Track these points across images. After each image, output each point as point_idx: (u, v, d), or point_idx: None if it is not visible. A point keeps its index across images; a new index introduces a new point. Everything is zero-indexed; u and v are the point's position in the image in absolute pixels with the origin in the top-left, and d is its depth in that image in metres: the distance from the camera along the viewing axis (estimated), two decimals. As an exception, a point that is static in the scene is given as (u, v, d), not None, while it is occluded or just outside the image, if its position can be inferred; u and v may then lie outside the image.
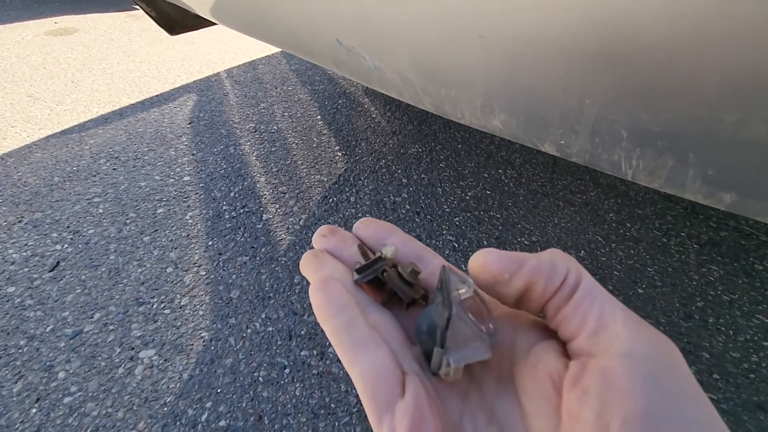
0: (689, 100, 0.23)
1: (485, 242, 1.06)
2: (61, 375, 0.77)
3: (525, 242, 1.07)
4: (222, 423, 0.71)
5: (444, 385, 0.19)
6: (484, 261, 0.19)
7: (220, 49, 2.31)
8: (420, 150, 1.43)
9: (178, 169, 1.32)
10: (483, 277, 0.19)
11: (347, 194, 1.22)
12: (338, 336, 0.19)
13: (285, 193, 1.23)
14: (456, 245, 1.05)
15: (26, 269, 0.97)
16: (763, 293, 0.94)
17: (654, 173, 0.29)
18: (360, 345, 0.19)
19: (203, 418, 0.71)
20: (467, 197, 1.22)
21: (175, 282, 0.95)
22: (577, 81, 0.27)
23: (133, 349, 0.81)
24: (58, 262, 0.99)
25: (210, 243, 1.06)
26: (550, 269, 0.18)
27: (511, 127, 0.36)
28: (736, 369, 0.80)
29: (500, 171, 1.33)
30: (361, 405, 0.73)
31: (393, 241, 0.24)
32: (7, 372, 0.77)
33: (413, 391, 0.17)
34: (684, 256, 1.04)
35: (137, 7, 0.99)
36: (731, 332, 0.86)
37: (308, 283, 0.95)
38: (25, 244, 1.04)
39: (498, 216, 1.15)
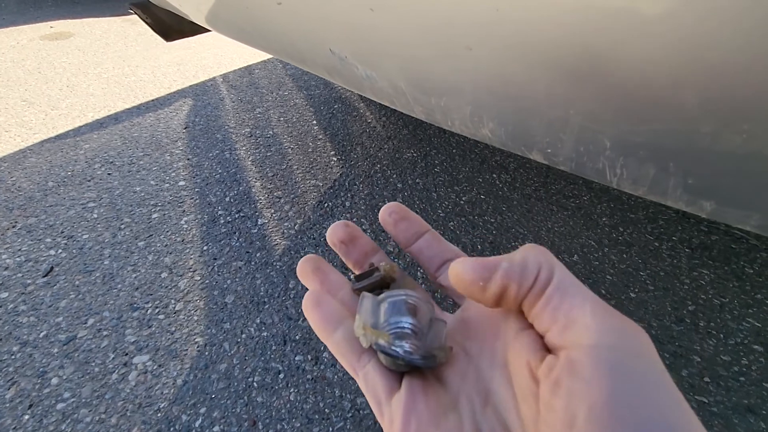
0: (667, 112, 0.24)
1: (479, 246, 1.07)
2: (54, 381, 0.77)
3: (519, 246, 1.07)
4: (216, 428, 0.71)
5: (444, 368, 0.21)
6: (459, 271, 0.19)
7: (215, 54, 2.31)
8: (415, 155, 1.44)
9: (173, 174, 1.33)
10: (460, 287, 0.20)
11: (342, 199, 1.23)
12: (341, 349, 0.22)
13: (280, 197, 1.23)
14: (450, 250, 1.06)
15: (20, 274, 0.97)
16: (753, 297, 0.96)
17: (637, 181, 0.30)
18: (361, 352, 0.21)
19: (197, 423, 0.71)
20: (462, 202, 1.23)
21: (169, 287, 0.95)
22: (562, 92, 0.28)
23: (127, 354, 0.81)
24: (52, 268, 0.99)
25: (205, 248, 1.06)
26: (522, 271, 0.18)
27: (500, 135, 0.36)
28: (726, 372, 0.81)
29: (494, 175, 1.34)
30: (355, 410, 0.73)
31: (420, 245, 0.25)
32: (-1, 378, 0.77)
33: (408, 382, 0.20)
34: (676, 260, 1.05)
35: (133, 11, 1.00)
36: (722, 335, 0.87)
37: (304, 288, 0.95)
38: (19, 250, 1.03)
39: (492, 220, 1.16)
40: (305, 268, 0.25)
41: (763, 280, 1.00)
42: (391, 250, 1.05)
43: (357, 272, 0.25)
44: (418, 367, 0.20)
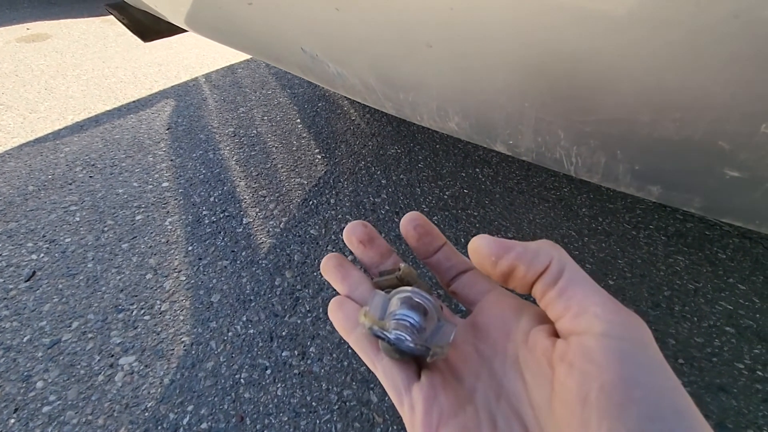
0: (609, 102, 0.26)
1: (462, 240, 1.09)
2: (40, 384, 0.77)
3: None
4: (204, 425, 0.71)
5: (460, 368, 0.23)
6: (477, 245, 0.22)
7: (197, 54, 2.30)
8: (399, 151, 1.45)
9: (156, 176, 1.32)
10: (474, 258, 0.22)
11: (327, 196, 1.23)
12: (360, 344, 0.24)
13: (265, 196, 1.23)
14: (434, 243, 1.07)
15: (1, 280, 0.96)
16: (726, 281, 0.99)
17: (591, 169, 0.32)
18: (379, 347, 0.23)
19: (185, 421, 0.72)
20: (445, 196, 1.24)
21: (154, 288, 0.95)
22: (516, 86, 0.29)
23: (112, 356, 0.81)
24: (34, 272, 0.98)
25: (190, 248, 1.06)
26: (533, 257, 0.20)
27: (465, 128, 0.38)
28: (699, 353, 0.84)
29: (477, 170, 1.36)
30: (342, 402, 0.75)
31: (438, 257, 0.26)
32: (-17, 384, 0.76)
33: (428, 373, 0.22)
34: (652, 248, 1.08)
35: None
36: (696, 319, 0.90)
37: (290, 284, 0.96)
38: (0, 255, 1.02)
39: (475, 214, 1.18)
40: (328, 265, 0.26)
41: (735, 265, 1.03)
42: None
43: (371, 272, 0.27)
44: (413, 355, 0.22)
